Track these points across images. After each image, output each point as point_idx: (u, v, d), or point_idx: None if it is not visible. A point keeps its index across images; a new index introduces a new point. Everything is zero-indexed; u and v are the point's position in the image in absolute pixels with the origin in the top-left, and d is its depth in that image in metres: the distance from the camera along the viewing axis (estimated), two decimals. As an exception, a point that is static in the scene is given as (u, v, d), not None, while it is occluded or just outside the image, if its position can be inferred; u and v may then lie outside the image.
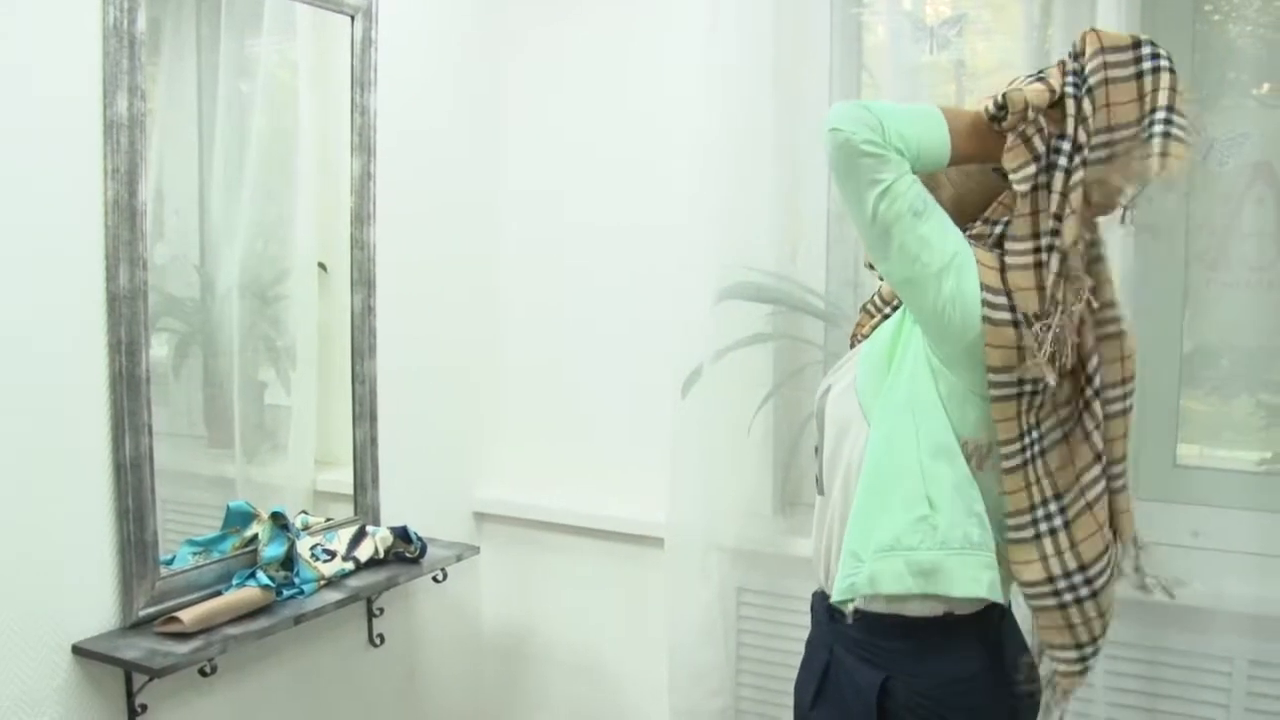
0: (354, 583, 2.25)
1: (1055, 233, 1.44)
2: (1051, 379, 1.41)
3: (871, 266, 1.58)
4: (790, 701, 2.40)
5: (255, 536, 2.14)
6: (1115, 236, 2.01)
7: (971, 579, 1.48)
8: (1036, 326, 1.42)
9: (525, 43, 2.82)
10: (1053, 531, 1.48)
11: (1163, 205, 2.18)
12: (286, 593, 2.11)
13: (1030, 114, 1.45)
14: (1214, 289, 2.16)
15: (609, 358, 2.75)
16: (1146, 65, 1.44)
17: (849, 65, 2.47)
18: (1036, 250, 1.45)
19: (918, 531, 1.48)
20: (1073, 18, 2.09)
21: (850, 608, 1.54)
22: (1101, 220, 1.52)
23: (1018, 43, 2.19)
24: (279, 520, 2.15)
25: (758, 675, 2.52)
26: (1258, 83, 2.13)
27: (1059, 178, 1.44)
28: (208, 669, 1.93)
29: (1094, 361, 1.47)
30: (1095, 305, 1.47)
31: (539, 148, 2.83)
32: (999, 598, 1.50)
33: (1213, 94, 2.14)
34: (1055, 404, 1.48)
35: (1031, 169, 1.45)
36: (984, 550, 1.48)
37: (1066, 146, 1.44)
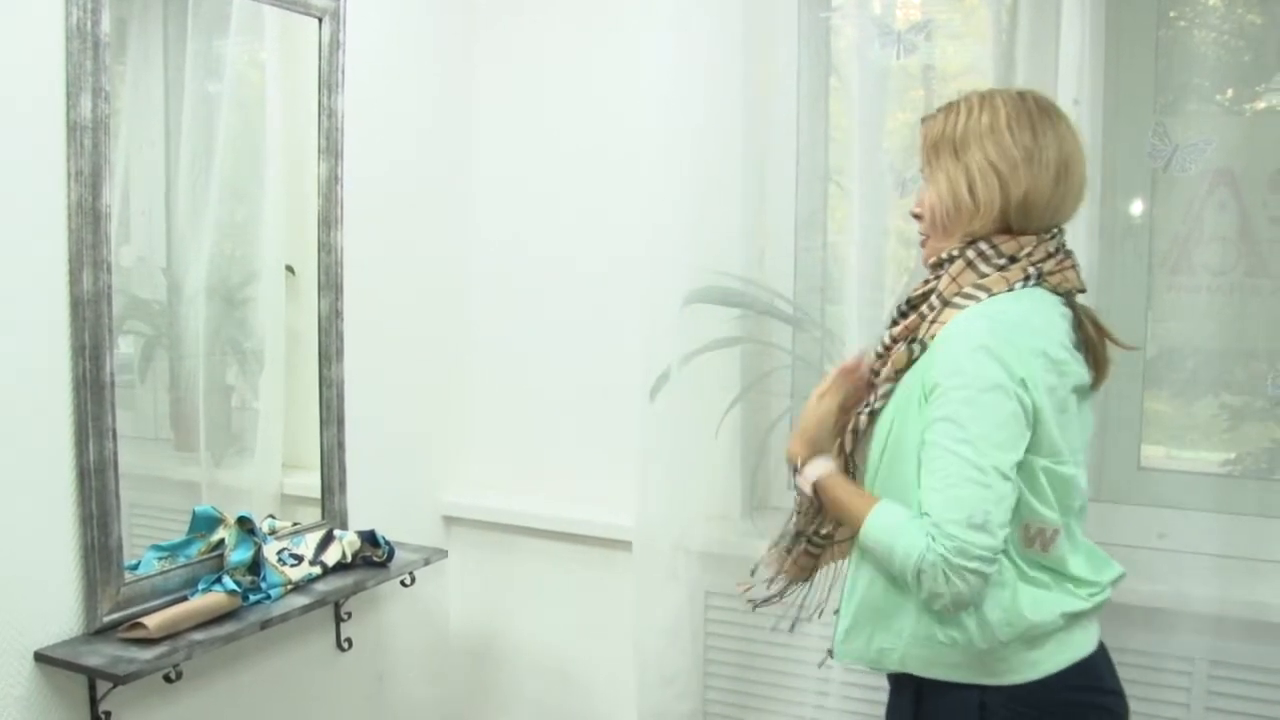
0: (321, 587, 2.24)
1: None
2: None
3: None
4: (757, 704, 2.40)
5: (221, 541, 2.13)
6: (1079, 240, 2.04)
7: (1010, 670, 1.48)
8: None
9: (492, 45, 2.82)
10: None
11: (1127, 210, 2.22)
12: (253, 598, 2.09)
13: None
14: (1176, 293, 2.18)
15: (577, 361, 2.75)
16: None
17: (817, 68, 2.47)
18: None
19: (949, 628, 1.48)
20: (1039, 23, 2.11)
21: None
22: None
23: (986, 47, 2.20)
24: (245, 525, 2.14)
25: (725, 678, 2.52)
26: (1221, 88, 2.15)
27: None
28: (173, 675, 1.91)
29: None
30: None
31: (507, 151, 2.82)
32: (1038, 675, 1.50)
33: (1176, 100, 2.15)
34: None
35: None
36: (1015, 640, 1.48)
37: None
